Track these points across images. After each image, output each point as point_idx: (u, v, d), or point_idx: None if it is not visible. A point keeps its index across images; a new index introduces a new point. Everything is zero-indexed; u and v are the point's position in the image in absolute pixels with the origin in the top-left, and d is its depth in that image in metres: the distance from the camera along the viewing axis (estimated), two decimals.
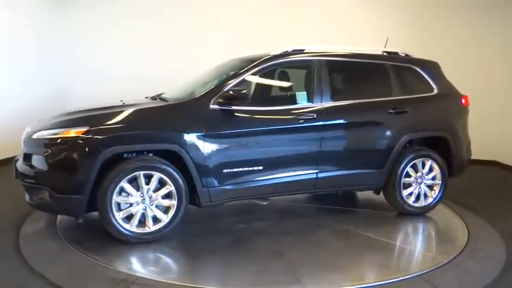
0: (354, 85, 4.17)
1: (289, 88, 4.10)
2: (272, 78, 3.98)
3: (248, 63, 3.58)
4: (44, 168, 3.07)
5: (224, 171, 3.30)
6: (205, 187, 3.26)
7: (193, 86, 3.70)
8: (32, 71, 6.54)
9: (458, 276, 2.96)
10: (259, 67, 3.58)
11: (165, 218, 3.18)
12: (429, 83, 4.16)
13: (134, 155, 3.21)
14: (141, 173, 3.09)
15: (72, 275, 2.74)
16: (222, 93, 3.33)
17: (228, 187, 3.34)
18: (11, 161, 3.55)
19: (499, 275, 2.97)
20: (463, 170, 4.30)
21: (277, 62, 3.69)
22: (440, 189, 4.05)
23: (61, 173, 3.04)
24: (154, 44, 7.09)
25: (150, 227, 3.16)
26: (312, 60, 3.77)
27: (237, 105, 3.36)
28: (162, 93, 3.95)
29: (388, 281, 2.76)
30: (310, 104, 3.64)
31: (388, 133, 3.87)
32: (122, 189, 3.08)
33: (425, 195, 4.03)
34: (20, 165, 3.28)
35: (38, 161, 3.16)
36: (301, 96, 3.72)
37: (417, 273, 2.89)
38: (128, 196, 3.10)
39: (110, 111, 3.25)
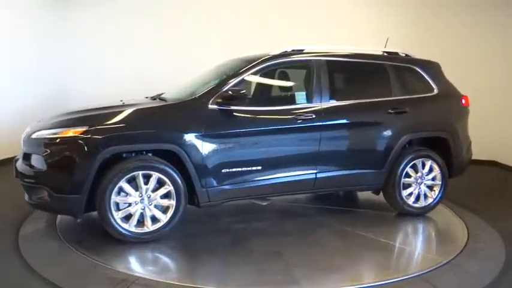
0: (353, 85, 4.16)
1: (289, 88, 4.10)
2: (271, 78, 3.98)
3: (247, 63, 3.58)
4: (43, 168, 3.08)
5: (223, 171, 3.30)
6: (204, 187, 3.26)
7: (193, 86, 3.70)
8: (32, 71, 6.55)
9: (457, 276, 2.95)
10: (259, 67, 3.58)
11: (164, 218, 3.18)
12: (429, 83, 4.15)
13: (133, 154, 3.21)
14: (140, 172, 3.10)
15: (71, 275, 2.74)
16: (221, 93, 3.33)
17: (226, 187, 3.34)
18: (11, 161, 3.55)
19: (499, 275, 2.97)
20: (463, 170, 4.29)
21: (276, 62, 3.68)
22: (440, 189, 4.04)
23: (60, 172, 3.04)
24: (154, 44, 7.09)
25: (149, 226, 3.16)
26: (311, 60, 3.77)
27: (236, 105, 3.36)
28: (162, 93, 3.95)
29: (388, 281, 2.76)
30: (309, 104, 3.64)
31: (388, 133, 3.86)
32: (121, 189, 3.08)
33: (425, 196, 4.03)
34: (20, 164, 3.29)
35: (37, 161, 3.17)
36: (300, 96, 3.72)
37: (417, 273, 2.89)
38: (126, 196, 3.11)
39: (109, 111, 3.25)
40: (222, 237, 3.41)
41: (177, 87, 3.96)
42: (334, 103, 3.73)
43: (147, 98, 3.94)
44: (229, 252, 3.13)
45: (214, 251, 3.14)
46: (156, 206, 3.18)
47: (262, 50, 3.85)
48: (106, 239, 3.14)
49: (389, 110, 3.87)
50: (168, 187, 3.16)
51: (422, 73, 4.16)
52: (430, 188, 4.04)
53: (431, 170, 4.01)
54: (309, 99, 3.67)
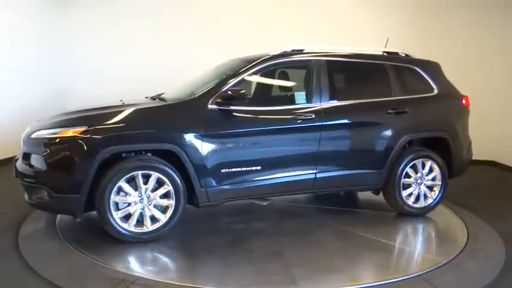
0: (353, 85, 4.16)
1: (288, 88, 4.10)
2: (271, 78, 3.98)
3: (247, 64, 3.58)
4: (43, 168, 3.08)
5: (222, 171, 3.30)
6: (203, 187, 3.26)
7: (192, 86, 3.69)
8: (32, 71, 6.55)
9: (457, 276, 2.95)
10: (258, 67, 3.58)
11: (163, 218, 3.18)
12: (429, 83, 4.15)
13: (133, 154, 3.21)
14: (139, 172, 3.10)
15: (71, 274, 2.74)
16: (221, 93, 3.33)
17: (226, 187, 3.34)
18: (11, 160, 3.55)
19: (498, 275, 2.97)
20: (463, 170, 4.28)
21: (276, 62, 3.68)
22: (440, 190, 4.03)
23: (59, 172, 3.04)
24: (154, 44, 7.10)
25: (148, 226, 3.16)
26: (311, 60, 3.76)
27: (235, 105, 3.36)
28: (161, 93, 3.95)
29: (387, 281, 2.76)
30: (308, 104, 3.63)
31: (388, 133, 3.85)
32: (120, 189, 3.08)
33: (425, 196, 4.02)
34: (20, 164, 3.29)
35: (36, 161, 3.17)
36: (300, 97, 3.71)
37: (416, 274, 2.88)
38: (126, 196, 3.11)
39: (108, 111, 3.25)
40: (221, 237, 3.41)
41: (177, 87, 3.96)
42: (333, 103, 3.73)
43: (147, 98, 3.94)
44: (228, 252, 3.13)
45: (213, 251, 3.14)
46: (155, 206, 3.18)
47: (262, 50, 3.84)
48: (105, 238, 3.14)
49: (389, 110, 3.87)
50: (168, 187, 3.16)
51: (422, 73, 4.16)
52: (430, 188, 4.04)
53: (431, 170, 4.01)
54: (309, 99, 3.67)
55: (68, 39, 7.14)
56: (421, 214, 4.04)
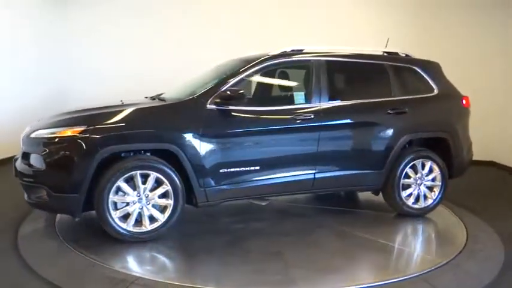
0: (352, 85, 4.15)
1: (287, 88, 4.10)
2: (270, 78, 3.98)
3: (246, 64, 3.58)
4: (42, 167, 3.09)
5: (221, 171, 3.30)
6: (202, 187, 3.25)
7: (192, 86, 3.69)
8: (32, 71, 6.56)
9: (457, 276, 2.95)
10: (257, 67, 3.58)
11: (162, 218, 3.18)
12: (429, 83, 4.14)
13: (132, 154, 3.21)
14: (138, 172, 3.10)
15: (70, 274, 2.74)
16: (220, 93, 3.33)
17: (225, 187, 3.33)
18: (11, 160, 3.55)
19: (498, 276, 2.96)
20: (463, 171, 4.27)
21: (275, 62, 3.68)
22: (440, 190, 4.02)
23: (58, 172, 3.05)
24: (154, 44, 7.10)
25: (147, 226, 3.16)
26: (310, 60, 3.76)
27: (234, 105, 3.36)
28: (161, 93, 3.95)
29: (387, 282, 2.75)
30: (308, 104, 3.63)
31: (387, 134, 3.84)
32: (119, 189, 3.09)
33: (425, 197, 4.01)
34: (19, 164, 3.30)
35: (36, 160, 3.17)
36: (299, 97, 3.71)
37: (416, 274, 2.88)
38: (124, 195, 3.11)
39: (107, 111, 3.25)
40: (220, 237, 3.41)
41: (176, 87, 3.96)
42: (333, 103, 3.73)
43: (146, 98, 3.94)
44: (227, 252, 3.13)
45: (212, 251, 3.14)
46: (154, 206, 3.18)
47: (262, 50, 3.84)
48: (104, 238, 3.14)
49: (389, 111, 3.86)
50: (166, 187, 3.16)
51: (422, 73, 4.15)
52: (430, 188, 4.03)
53: (431, 170, 4.00)
54: (308, 100, 3.66)
55: (68, 39, 7.15)
56: (420, 215, 4.03)
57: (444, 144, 4.07)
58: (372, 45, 4.37)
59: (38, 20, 6.68)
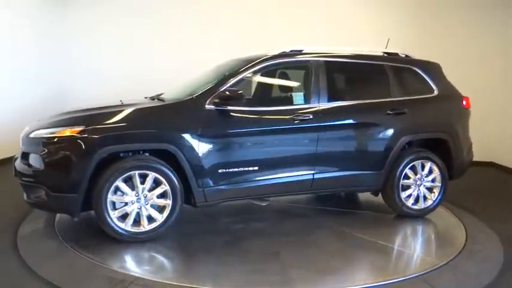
0: (352, 86, 4.15)
1: (286, 89, 4.08)
2: (269, 78, 3.97)
3: (246, 64, 3.58)
4: (41, 167, 3.09)
5: (219, 171, 3.30)
6: (200, 187, 3.25)
7: (192, 87, 3.69)
8: (32, 71, 6.56)
9: (456, 277, 2.94)
10: (257, 67, 3.58)
11: (160, 218, 3.18)
12: (429, 84, 4.12)
13: (130, 154, 3.21)
14: (136, 172, 3.10)
15: (70, 275, 2.74)
16: (218, 94, 3.33)
17: (223, 187, 3.33)
18: (11, 160, 3.55)
19: (497, 276, 2.96)
20: (463, 172, 4.25)
21: (274, 62, 3.68)
22: (440, 191, 4.01)
23: (57, 171, 3.05)
24: (154, 44, 7.10)
25: (145, 226, 3.16)
26: (309, 60, 3.76)
27: (233, 106, 3.35)
28: (161, 94, 3.95)
29: (386, 282, 2.75)
30: (306, 105, 3.62)
31: (387, 134, 3.83)
32: (117, 188, 3.09)
33: (425, 198, 4.00)
34: (19, 164, 3.30)
35: (35, 160, 3.18)
36: (298, 97, 3.70)
37: (415, 275, 2.87)
38: (123, 195, 3.11)
39: (106, 111, 3.25)
40: (219, 237, 3.40)
41: (176, 87, 3.96)
42: (332, 104, 3.72)
43: (146, 98, 3.94)
44: (226, 252, 3.13)
45: (211, 251, 3.13)
46: (152, 206, 3.18)
47: (262, 50, 3.83)
48: (104, 238, 3.13)
49: (388, 111, 3.85)
50: (165, 187, 3.16)
51: (422, 74, 4.14)
52: (430, 189, 4.02)
53: (430, 171, 3.98)
54: (307, 100, 3.66)
55: (68, 39, 7.15)
56: (420, 216, 4.02)
57: (444, 145, 4.05)
58: (372, 45, 4.36)
59: (38, 20, 6.68)
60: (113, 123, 3.13)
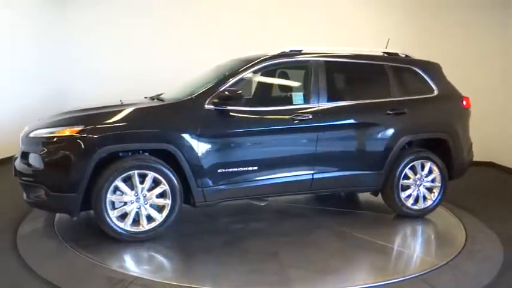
0: (351, 86, 4.14)
1: (286, 89, 4.08)
2: (269, 78, 3.97)
3: (245, 64, 3.57)
4: (40, 167, 3.09)
5: (219, 171, 3.30)
6: (199, 187, 3.25)
7: (191, 86, 3.69)
8: (32, 71, 6.56)
9: (456, 277, 2.94)
10: (256, 67, 3.58)
11: (159, 217, 3.18)
12: (429, 84, 4.11)
13: (130, 154, 3.21)
14: (135, 172, 3.10)
15: (70, 274, 2.74)
16: (218, 94, 3.33)
17: (222, 187, 3.33)
18: (11, 160, 3.56)
19: (497, 276, 2.96)
20: (463, 172, 4.25)
21: (274, 62, 3.68)
22: (440, 191, 4.00)
23: (56, 171, 3.05)
24: (154, 44, 7.10)
25: (144, 225, 3.16)
26: (309, 60, 3.75)
27: (232, 106, 3.35)
28: (161, 94, 3.95)
29: (385, 282, 2.74)
30: (306, 105, 3.62)
31: (386, 134, 3.83)
32: (117, 188, 3.09)
33: (424, 198, 3.99)
34: (18, 163, 3.31)
35: (34, 160, 3.18)
36: (297, 97, 3.70)
37: (415, 275, 2.87)
38: (122, 195, 3.11)
39: (106, 111, 3.26)
40: (218, 237, 3.40)
41: (176, 87, 3.96)
42: (331, 104, 3.71)
43: (146, 98, 3.94)
44: (225, 252, 3.12)
45: (210, 251, 3.13)
46: (151, 205, 3.18)
47: (262, 50, 3.83)
48: (103, 237, 3.13)
49: (388, 111, 3.84)
50: (164, 186, 3.16)
51: (422, 74, 4.13)
52: (430, 190, 4.01)
53: (430, 171, 3.98)
54: (307, 100, 3.65)
55: (68, 39, 7.15)
56: (420, 216, 4.01)
57: (444, 145, 4.05)
58: (372, 45, 4.36)
59: (38, 20, 6.69)
60: (112, 123, 3.13)
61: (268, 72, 3.84)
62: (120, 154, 3.18)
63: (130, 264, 2.96)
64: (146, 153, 3.24)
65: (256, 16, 6.92)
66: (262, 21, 6.87)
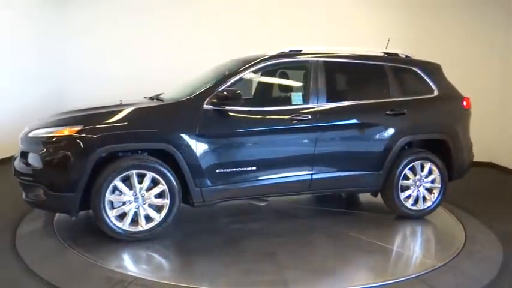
0: (350, 86, 4.14)
1: (285, 89, 4.07)
2: (268, 78, 3.97)
3: (244, 64, 3.57)
4: (39, 166, 3.10)
5: (217, 171, 3.29)
6: (198, 187, 3.25)
7: (191, 87, 3.68)
8: (32, 71, 6.57)
9: (455, 277, 2.93)
10: (255, 68, 3.58)
11: (158, 217, 3.18)
12: (429, 84, 4.10)
13: (129, 154, 3.21)
14: (134, 172, 3.10)
15: (69, 274, 2.73)
16: (216, 94, 3.33)
17: (221, 187, 3.33)
18: (11, 160, 3.56)
19: (496, 277, 2.96)
20: (464, 173, 4.23)
21: (273, 62, 3.67)
22: (440, 192, 3.99)
23: (55, 171, 3.05)
24: (154, 44, 7.10)
25: (143, 225, 3.16)
26: (308, 61, 3.74)
27: (230, 106, 3.35)
28: (160, 94, 3.95)
29: (384, 283, 2.74)
30: (305, 105, 3.61)
31: (386, 135, 3.82)
32: (115, 188, 3.09)
33: (424, 199, 3.98)
34: (17, 163, 3.31)
35: (33, 159, 3.19)
36: (296, 97, 3.68)
37: (414, 275, 2.86)
38: (121, 195, 3.11)
39: (105, 111, 3.26)
40: (217, 237, 3.40)
41: (176, 87, 3.95)
42: (331, 104, 3.71)
43: (145, 98, 3.94)
44: (223, 252, 3.12)
45: (208, 251, 3.13)
46: (150, 205, 3.18)
47: (262, 50, 3.83)
48: (103, 237, 3.13)
49: (388, 112, 3.83)
50: (162, 186, 3.16)
51: (422, 74, 4.11)
52: (429, 190, 4.00)
53: (430, 172, 3.96)
54: (306, 100, 3.64)
55: (68, 39, 7.15)
56: (419, 217, 3.99)
57: (444, 146, 4.03)
58: (372, 45, 4.35)
59: (38, 20, 6.69)
60: (111, 122, 3.13)
61: (267, 72, 3.84)
62: (119, 154, 3.18)
63: (129, 264, 2.96)
64: (145, 153, 3.23)
65: (256, 16, 6.91)
66: (262, 21, 6.87)
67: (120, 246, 3.09)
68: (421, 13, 6.76)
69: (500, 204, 4.88)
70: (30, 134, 3.23)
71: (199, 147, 3.21)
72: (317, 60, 3.74)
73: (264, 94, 4.14)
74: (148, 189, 3.16)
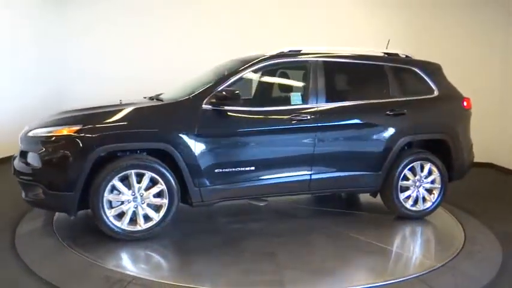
0: (350, 86, 4.13)
1: (284, 89, 4.07)
2: (267, 78, 3.96)
3: (243, 64, 3.57)
4: (39, 166, 3.10)
5: (216, 171, 3.29)
6: (196, 186, 3.25)
7: (190, 87, 3.68)
8: (32, 71, 6.57)
9: (455, 278, 2.93)
10: (254, 68, 3.58)
11: (157, 217, 3.19)
12: (429, 84, 4.09)
13: (128, 153, 3.21)
14: (133, 171, 3.10)
15: (68, 274, 2.73)
16: (215, 94, 3.33)
17: (219, 187, 3.33)
18: (11, 160, 3.56)
19: (496, 277, 2.95)
20: (464, 173, 4.22)
21: (272, 62, 3.67)
22: (440, 193, 3.97)
23: (54, 170, 3.06)
24: (154, 44, 7.10)
25: (142, 225, 3.16)
26: (308, 61, 3.74)
27: (229, 106, 3.35)
28: (160, 94, 3.95)
29: (384, 283, 2.73)
30: (304, 105, 3.60)
31: (386, 135, 3.81)
32: (114, 187, 3.09)
33: (424, 199, 3.97)
34: (17, 162, 3.32)
35: (33, 159, 3.20)
36: (296, 97, 3.68)
37: (414, 275, 2.86)
38: (119, 194, 3.12)
39: (104, 111, 3.26)
40: (216, 236, 3.40)
41: (176, 87, 3.95)
42: (330, 104, 3.70)
43: (145, 98, 3.94)
44: (222, 252, 3.12)
45: (207, 251, 3.13)
46: (148, 205, 3.18)
47: (262, 50, 3.82)
48: (102, 236, 3.13)
49: (387, 112, 3.83)
50: (161, 186, 3.16)
51: (422, 74, 4.10)
52: (429, 191, 3.98)
53: (430, 173, 3.95)
54: (305, 100, 3.64)
55: (68, 39, 7.16)
56: (419, 217, 3.98)
57: (444, 147, 4.02)
58: (372, 45, 4.34)
59: (38, 20, 6.70)
60: (110, 122, 3.13)
61: (266, 72, 3.84)
62: (118, 154, 3.18)
63: (127, 263, 2.96)
64: (144, 153, 3.23)
65: (256, 16, 6.91)
66: (262, 21, 6.86)
67: (119, 246, 3.09)
68: (421, 13, 6.75)
69: (500, 204, 4.88)
70: (30, 134, 3.24)
71: (198, 147, 3.21)
72: (317, 60, 3.73)
73: (264, 94, 4.14)
74: (147, 188, 3.16)
